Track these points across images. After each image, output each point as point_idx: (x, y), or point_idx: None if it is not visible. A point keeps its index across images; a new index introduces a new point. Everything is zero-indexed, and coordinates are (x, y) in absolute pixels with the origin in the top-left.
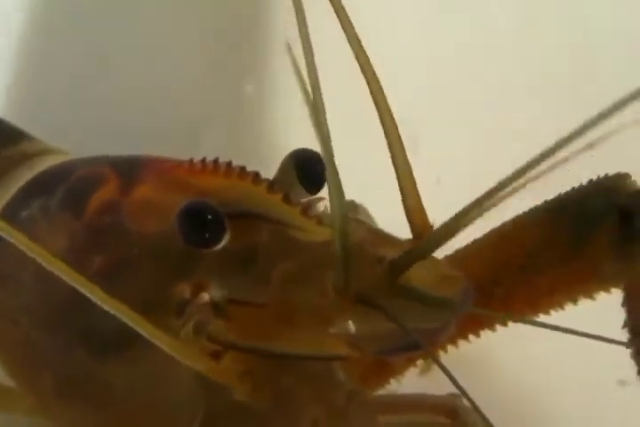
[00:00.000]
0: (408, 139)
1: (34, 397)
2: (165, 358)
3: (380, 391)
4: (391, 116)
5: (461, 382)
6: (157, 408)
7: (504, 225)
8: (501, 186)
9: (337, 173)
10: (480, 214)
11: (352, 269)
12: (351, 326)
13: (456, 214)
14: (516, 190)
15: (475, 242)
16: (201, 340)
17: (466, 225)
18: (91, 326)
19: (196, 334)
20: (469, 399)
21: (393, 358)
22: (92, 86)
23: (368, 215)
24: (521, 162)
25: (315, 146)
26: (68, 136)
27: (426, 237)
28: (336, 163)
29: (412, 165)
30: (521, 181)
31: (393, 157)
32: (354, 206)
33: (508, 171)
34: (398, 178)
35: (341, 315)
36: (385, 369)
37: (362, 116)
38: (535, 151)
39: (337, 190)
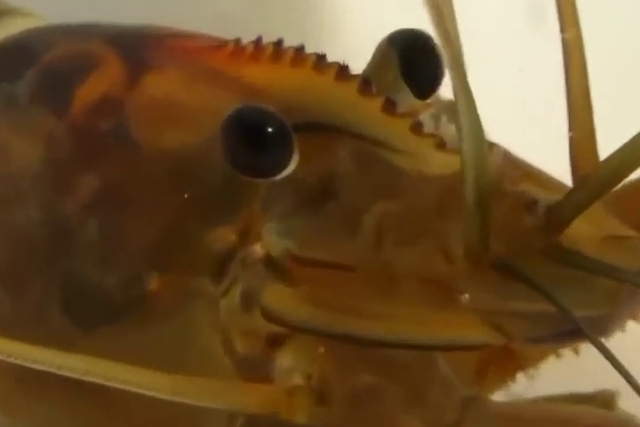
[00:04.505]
0: None
1: None
2: (182, 333)
3: (502, 392)
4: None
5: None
6: (167, 412)
7: None
8: None
9: (464, 72)
10: None
11: (490, 221)
12: (488, 300)
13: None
14: None
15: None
16: (252, 317)
17: None
18: (75, 286)
19: (245, 306)
20: None
21: (548, 346)
22: None
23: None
24: None
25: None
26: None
27: (595, 174)
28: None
29: None
30: None
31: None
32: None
33: None
34: (569, 101)
35: (474, 286)
36: (510, 359)
37: None
38: None
39: (467, 99)
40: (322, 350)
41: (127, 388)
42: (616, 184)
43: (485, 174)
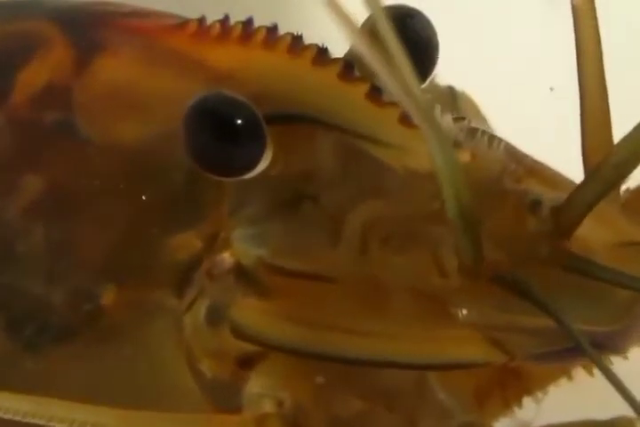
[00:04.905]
0: None
1: None
2: (141, 355)
3: (507, 419)
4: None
5: None
6: None
7: None
8: None
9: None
10: None
11: (480, 232)
12: (487, 315)
13: None
14: None
15: None
16: (220, 334)
17: None
18: (18, 301)
19: (213, 322)
20: None
21: (554, 365)
22: None
23: (474, 107)
24: None
25: None
26: None
27: (609, 160)
28: None
29: None
30: None
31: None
32: (453, 94)
33: None
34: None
35: (471, 300)
36: (515, 381)
37: None
38: None
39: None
40: (298, 373)
41: None
42: (632, 169)
43: (463, 183)
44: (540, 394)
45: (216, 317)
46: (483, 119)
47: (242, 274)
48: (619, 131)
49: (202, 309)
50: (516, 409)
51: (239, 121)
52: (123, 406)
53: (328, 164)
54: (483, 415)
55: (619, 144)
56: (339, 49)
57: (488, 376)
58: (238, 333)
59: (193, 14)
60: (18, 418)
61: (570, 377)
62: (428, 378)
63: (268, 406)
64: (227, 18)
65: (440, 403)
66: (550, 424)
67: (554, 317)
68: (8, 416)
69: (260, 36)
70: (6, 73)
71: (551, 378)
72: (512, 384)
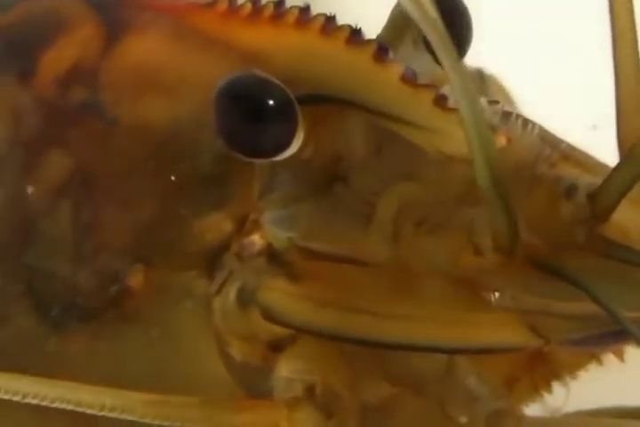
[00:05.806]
0: None
1: None
2: (168, 337)
3: (537, 405)
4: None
5: None
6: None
7: None
8: None
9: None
10: None
11: (515, 207)
12: (522, 299)
13: None
14: None
15: None
16: (251, 317)
17: None
18: (44, 280)
19: (243, 305)
20: None
21: (590, 350)
22: None
23: (502, 91)
24: None
25: None
26: None
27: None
28: None
29: None
30: None
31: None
32: (482, 77)
33: None
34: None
35: (505, 283)
36: (543, 365)
37: None
38: None
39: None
40: (328, 357)
41: (102, 413)
42: None
43: (495, 156)
44: (569, 379)
45: (246, 299)
46: (512, 103)
47: (272, 256)
48: None
49: (232, 291)
50: (545, 395)
51: (271, 102)
52: (148, 389)
53: (360, 146)
54: (512, 401)
55: None
56: (372, 30)
57: (518, 361)
58: (268, 315)
59: None
60: (45, 404)
61: (600, 362)
62: (458, 363)
63: (298, 391)
64: None
65: (470, 388)
66: (580, 410)
67: (597, 300)
68: (36, 402)
69: (292, 16)
70: (32, 51)
71: (580, 363)
72: (540, 369)
